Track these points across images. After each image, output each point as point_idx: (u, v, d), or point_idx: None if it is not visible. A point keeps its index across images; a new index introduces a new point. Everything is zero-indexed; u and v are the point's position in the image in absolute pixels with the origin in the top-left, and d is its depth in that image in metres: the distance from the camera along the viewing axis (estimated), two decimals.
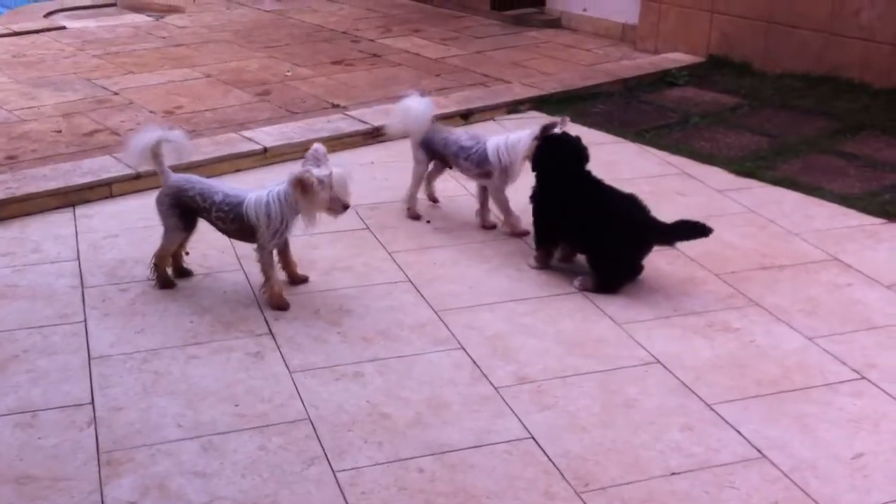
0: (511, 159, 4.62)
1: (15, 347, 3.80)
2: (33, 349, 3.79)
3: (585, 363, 3.72)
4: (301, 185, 3.88)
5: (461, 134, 4.97)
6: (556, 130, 4.44)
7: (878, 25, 6.82)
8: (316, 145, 4.06)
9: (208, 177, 5.38)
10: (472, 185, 5.14)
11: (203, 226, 4.28)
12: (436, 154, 4.95)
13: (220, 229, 4.24)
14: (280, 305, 4.11)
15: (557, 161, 4.37)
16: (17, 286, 4.29)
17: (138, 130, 4.24)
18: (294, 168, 4.01)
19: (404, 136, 5.09)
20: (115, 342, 3.84)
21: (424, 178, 5.13)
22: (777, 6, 7.35)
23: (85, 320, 4.00)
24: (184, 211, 4.18)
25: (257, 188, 4.14)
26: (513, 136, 4.66)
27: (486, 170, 4.74)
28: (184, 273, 4.39)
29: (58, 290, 4.24)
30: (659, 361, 3.73)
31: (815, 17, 7.15)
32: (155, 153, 4.14)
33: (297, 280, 4.32)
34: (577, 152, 4.38)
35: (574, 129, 4.95)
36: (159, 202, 4.22)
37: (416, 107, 4.86)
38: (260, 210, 4.03)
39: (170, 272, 4.32)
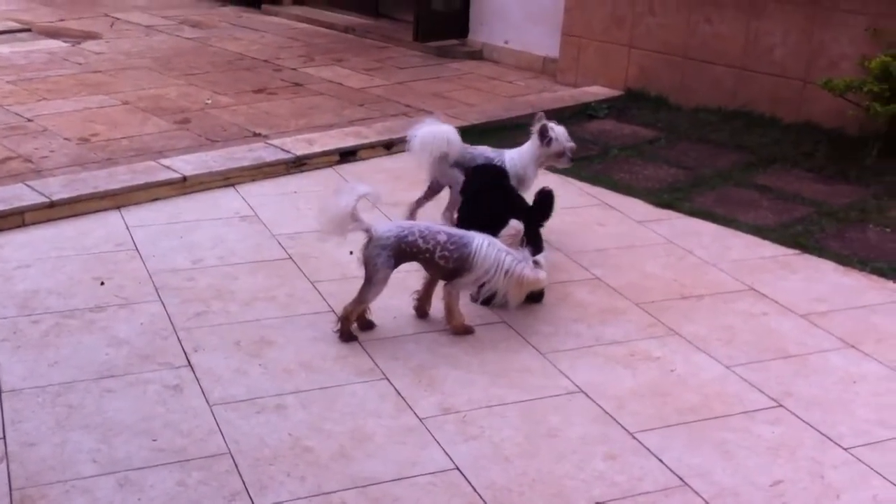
0: (524, 166, 4.99)
1: None
2: None
3: (510, 393, 3.72)
4: (521, 284, 3.96)
5: (485, 149, 5.14)
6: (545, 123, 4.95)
7: (789, 62, 7.04)
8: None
9: (122, 206, 5.32)
10: (397, 215, 5.15)
11: (115, 256, 4.18)
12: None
13: (433, 269, 4.12)
14: (467, 330, 4.16)
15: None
16: None
17: (331, 199, 4.00)
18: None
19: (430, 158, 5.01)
20: (28, 375, 3.71)
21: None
22: (692, 42, 7.54)
23: None
24: (399, 259, 4.03)
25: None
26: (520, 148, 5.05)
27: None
28: (368, 326, 4.18)
29: None
30: (582, 390, 3.76)
31: (729, 54, 7.35)
32: (354, 216, 3.95)
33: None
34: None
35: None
36: (374, 256, 3.98)
37: (447, 129, 4.93)
38: (489, 257, 3.95)
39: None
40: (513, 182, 4.88)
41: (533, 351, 4.06)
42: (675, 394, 3.76)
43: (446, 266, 4.05)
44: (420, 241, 4.02)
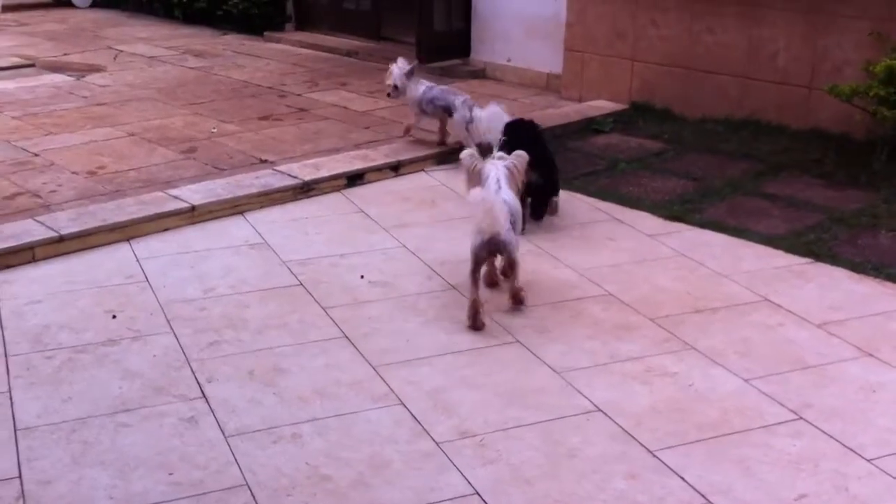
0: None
1: None
2: None
3: (527, 414, 3.69)
4: None
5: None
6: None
7: (792, 68, 7.02)
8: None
9: (132, 238, 5.32)
10: (406, 237, 5.16)
11: (126, 289, 4.15)
12: None
13: None
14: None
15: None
16: None
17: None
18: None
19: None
20: (42, 412, 3.70)
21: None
22: (694, 53, 7.53)
23: (10, 390, 3.85)
24: None
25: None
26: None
27: None
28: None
29: None
30: (600, 409, 3.72)
31: (732, 63, 7.33)
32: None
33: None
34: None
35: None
36: None
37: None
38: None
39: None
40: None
41: (548, 370, 4.03)
42: (694, 409, 3.72)
43: None
44: None
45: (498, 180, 4.52)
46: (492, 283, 4.75)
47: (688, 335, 4.30)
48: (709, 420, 3.65)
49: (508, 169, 4.62)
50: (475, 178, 4.59)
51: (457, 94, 6.75)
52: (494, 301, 4.57)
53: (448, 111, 6.67)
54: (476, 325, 4.36)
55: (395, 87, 6.81)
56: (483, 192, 4.34)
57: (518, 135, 5.63)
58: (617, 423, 3.63)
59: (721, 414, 3.69)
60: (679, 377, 3.96)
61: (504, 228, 4.31)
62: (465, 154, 4.70)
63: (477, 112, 6.41)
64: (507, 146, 5.03)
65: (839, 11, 6.73)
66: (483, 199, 4.30)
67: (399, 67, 6.80)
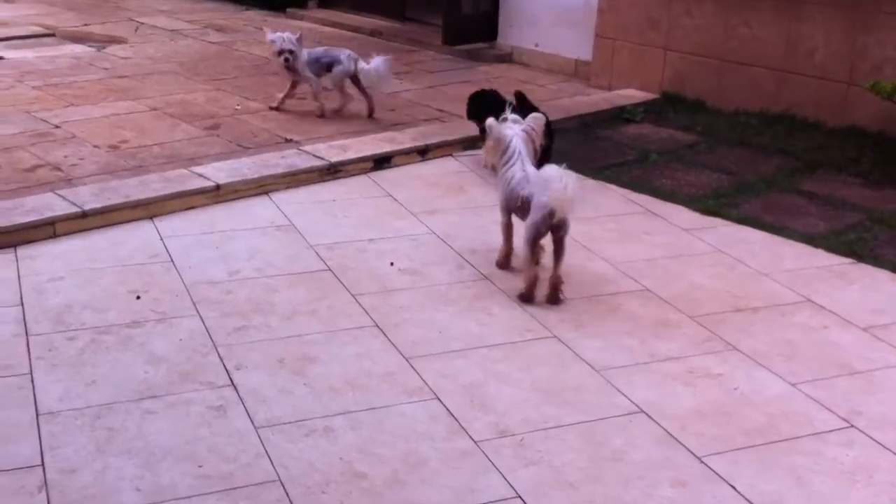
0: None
1: None
2: None
3: (567, 413, 3.56)
4: None
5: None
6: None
7: (830, 64, 6.85)
8: None
9: (155, 216, 5.19)
10: (434, 224, 5.04)
11: (150, 268, 4.02)
12: None
13: None
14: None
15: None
16: None
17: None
18: None
19: None
20: (65, 396, 3.58)
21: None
22: (730, 45, 7.36)
23: (31, 372, 3.73)
24: None
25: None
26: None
27: None
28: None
29: (0, 339, 3.96)
30: (642, 410, 3.59)
31: (769, 57, 7.16)
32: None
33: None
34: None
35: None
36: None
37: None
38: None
39: None
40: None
41: (586, 367, 3.90)
42: (740, 414, 3.59)
43: None
44: None
45: (520, 152, 4.59)
46: (505, 265, 4.73)
47: (729, 335, 4.16)
48: (756, 425, 3.52)
49: (526, 132, 4.69)
50: (495, 144, 4.65)
51: (341, 50, 7.02)
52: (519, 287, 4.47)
53: (330, 67, 6.89)
54: (532, 298, 4.37)
55: (291, 51, 6.80)
56: (558, 170, 4.25)
57: (485, 106, 5.80)
58: (661, 426, 3.49)
59: (768, 419, 3.56)
60: (723, 379, 3.82)
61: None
62: (489, 122, 4.70)
63: (362, 65, 6.78)
64: (473, 118, 5.60)
65: (880, 8, 6.55)
66: (559, 177, 4.21)
67: (284, 34, 6.85)
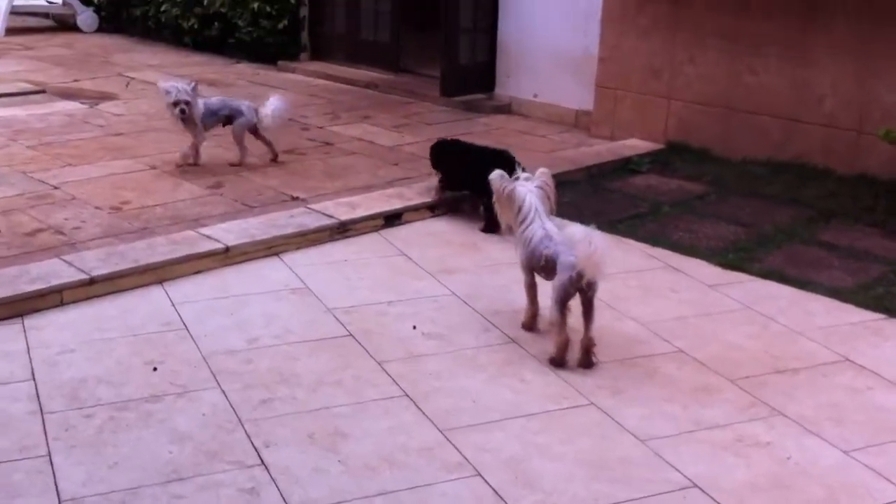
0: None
1: None
2: None
3: (617, 490, 3.39)
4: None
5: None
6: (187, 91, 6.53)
7: (840, 112, 6.81)
8: None
9: (164, 280, 5.00)
10: (454, 284, 4.88)
11: (165, 337, 3.84)
12: None
13: None
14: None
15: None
16: None
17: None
18: None
19: None
20: (87, 480, 3.37)
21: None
22: (735, 93, 7.30)
23: (49, 454, 3.52)
24: None
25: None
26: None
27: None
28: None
29: (14, 418, 3.75)
30: (696, 485, 3.43)
31: (775, 104, 7.11)
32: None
33: None
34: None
35: None
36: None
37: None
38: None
39: None
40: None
41: (630, 437, 3.74)
42: (798, 486, 3.44)
43: None
44: None
45: (537, 209, 4.46)
46: (531, 327, 4.58)
47: (773, 399, 4.02)
48: (816, 499, 3.36)
49: (541, 188, 4.55)
50: (508, 202, 4.53)
51: (241, 101, 6.91)
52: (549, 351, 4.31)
53: (231, 119, 6.77)
54: (564, 362, 4.24)
55: (188, 102, 6.53)
56: (583, 229, 4.14)
57: (448, 155, 6.12)
58: (718, 502, 3.33)
59: (828, 492, 3.40)
60: (773, 448, 3.67)
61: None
62: (494, 176, 4.57)
63: (262, 110, 6.74)
64: (439, 168, 5.87)
65: (890, 54, 6.52)
66: (585, 237, 4.08)
67: (178, 84, 6.59)
